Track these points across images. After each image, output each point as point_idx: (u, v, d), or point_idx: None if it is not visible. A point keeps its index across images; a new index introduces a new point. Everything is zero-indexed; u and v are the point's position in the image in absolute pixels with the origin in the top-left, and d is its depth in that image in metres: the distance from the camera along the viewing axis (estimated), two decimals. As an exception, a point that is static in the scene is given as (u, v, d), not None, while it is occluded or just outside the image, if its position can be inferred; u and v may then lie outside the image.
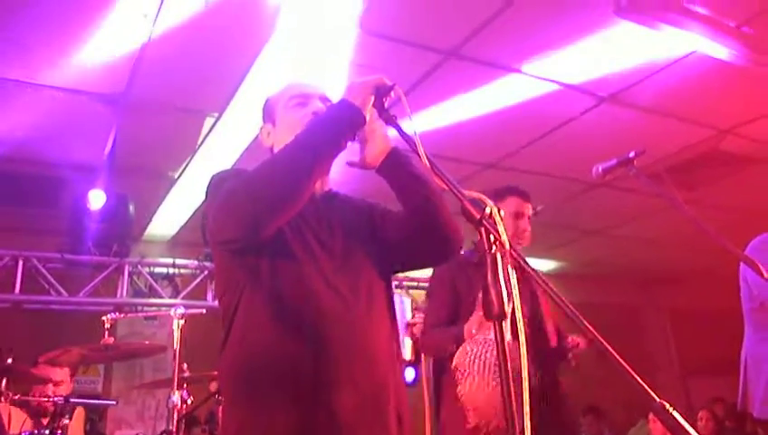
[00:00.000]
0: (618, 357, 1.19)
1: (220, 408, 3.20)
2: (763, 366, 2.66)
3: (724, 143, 4.83)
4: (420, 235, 1.58)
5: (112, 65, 3.55)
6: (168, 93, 3.88)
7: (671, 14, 3.16)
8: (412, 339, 3.45)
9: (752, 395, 2.69)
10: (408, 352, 3.40)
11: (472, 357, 2.25)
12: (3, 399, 2.82)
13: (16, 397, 2.87)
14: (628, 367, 1.18)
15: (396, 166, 1.58)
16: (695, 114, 4.41)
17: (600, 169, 2.39)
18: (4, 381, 2.85)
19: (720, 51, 3.44)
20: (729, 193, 5.53)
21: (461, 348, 2.32)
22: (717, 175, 5.29)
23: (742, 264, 2.70)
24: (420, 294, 6.95)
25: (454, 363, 2.31)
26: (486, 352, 2.26)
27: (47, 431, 2.71)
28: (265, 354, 1.40)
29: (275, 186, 1.39)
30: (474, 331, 2.32)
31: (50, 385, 3.31)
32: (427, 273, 2.65)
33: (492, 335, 2.24)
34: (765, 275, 2.07)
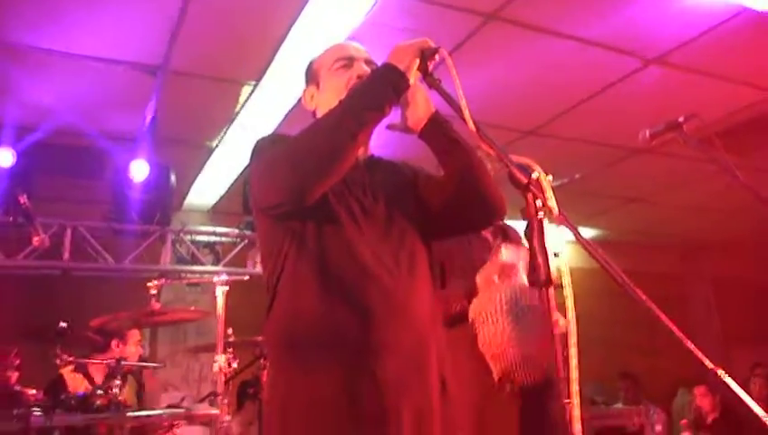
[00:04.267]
0: (670, 324, 1.17)
1: (264, 372, 3.27)
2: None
3: (776, 106, 4.64)
4: (462, 200, 1.56)
5: (150, 35, 3.57)
6: (206, 62, 3.89)
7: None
8: None
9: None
10: None
11: (495, 299, 2.19)
12: (58, 361, 2.94)
13: (71, 359, 2.99)
14: (680, 334, 1.16)
15: (438, 130, 1.56)
16: (744, 76, 4.23)
17: (648, 133, 2.33)
18: (59, 346, 2.96)
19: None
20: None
21: (478, 296, 2.25)
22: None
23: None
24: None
25: (472, 316, 2.25)
26: (508, 292, 2.19)
27: (100, 391, 2.82)
28: (310, 319, 1.42)
29: (319, 151, 1.39)
30: (496, 277, 2.26)
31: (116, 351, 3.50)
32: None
33: (514, 281, 2.21)
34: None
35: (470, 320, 2.27)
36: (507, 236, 2.42)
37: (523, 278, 2.30)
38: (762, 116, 4.75)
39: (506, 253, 2.25)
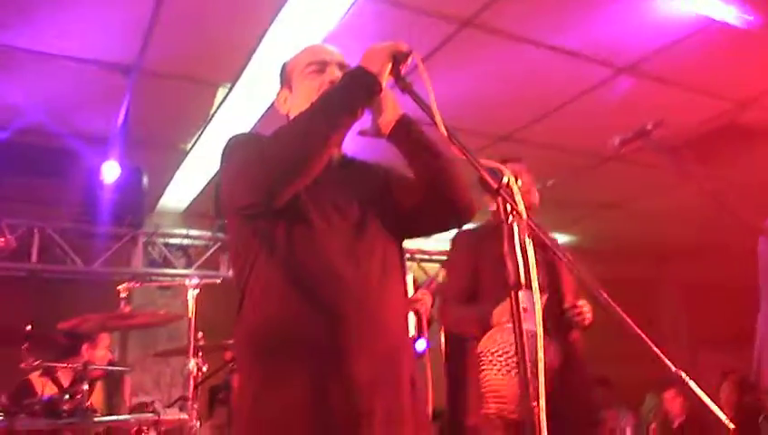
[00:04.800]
0: (636, 328, 1.19)
1: (235, 376, 3.24)
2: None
3: (743, 116, 4.75)
4: (431, 202, 1.57)
5: (123, 34, 3.53)
6: (181, 63, 3.86)
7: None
8: (416, 315, 3.44)
9: (766, 369, 2.69)
10: (411, 328, 3.40)
11: (502, 347, 2.23)
12: (24, 365, 2.87)
13: (35, 363, 2.93)
14: (646, 338, 1.18)
15: (406, 133, 1.57)
16: (713, 86, 4.33)
17: (618, 140, 2.36)
18: (24, 349, 2.90)
19: (737, 18, 3.36)
20: (747, 167, 5.44)
21: (489, 335, 2.29)
22: (735, 149, 5.21)
23: (761, 239, 2.67)
24: (431, 267, 6.99)
25: (480, 349, 2.29)
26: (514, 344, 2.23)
27: (67, 396, 2.76)
28: (280, 322, 1.41)
29: (291, 154, 1.38)
30: (505, 319, 2.29)
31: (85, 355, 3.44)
32: (436, 245, 2.64)
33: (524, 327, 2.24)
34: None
35: (477, 352, 2.29)
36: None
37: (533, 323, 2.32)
38: (729, 126, 4.85)
39: (522, 295, 2.27)
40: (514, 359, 2.24)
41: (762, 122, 4.82)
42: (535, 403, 1.18)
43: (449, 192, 1.56)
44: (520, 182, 1.37)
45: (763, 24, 3.44)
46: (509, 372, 2.20)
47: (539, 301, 1.28)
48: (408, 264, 6.03)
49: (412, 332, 3.43)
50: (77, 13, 3.31)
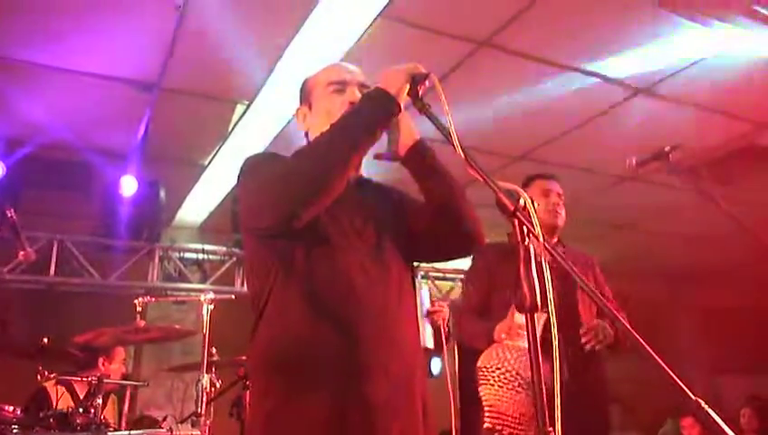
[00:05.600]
0: (652, 353, 1.17)
1: (247, 393, 3.24)
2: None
3: (762, 138, 4.71)
4: (442, 228, 1.58)
5: (146, 52, 3.59)
6: (200, 80, 3.91)
7: (711, 8, 3.08)
8: (433, 327, 3.43)
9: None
10: (429, 340, 3.37)
11: (496, 364, 2.26)
12: (39, 377, 2.90)
13: (52, 376, 2.95)
14: (663, 363, 1.16)
15: (422, 158, 1.58)
16: (731, 108, 4.30)
17: (635, 161, 2.36)
18: (41, 362, 2.93)
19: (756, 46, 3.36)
20: (765, 188, 5.39)
21: (488, 350, 2.32)
22: (754, 170, 5.16)
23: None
24: (444, 285, 6.95)
25: (479, 364, 2.31)
26: (512, 360, 2.25)
27: (81, 409, 2.77)
28: (299, 341, 1.41)
29: (311, 176, 1.39)
30: (504, 335, 2.32)
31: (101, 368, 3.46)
32: (449, 263, 2.67)
33: (520, 343, 2.28)
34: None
35: (477, 367, 2.31)
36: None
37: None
38: (747, 147, 4.81)
39: (519, 314, 2.30)
40: (508, 375, 2.27)
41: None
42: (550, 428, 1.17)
43: (459, 220, 1.58)
44: (537, 204, 1.37)
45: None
46: (501, 387, 2.23)
47: (555, 324, 1.27)
48: (423, 281, 6.03)
49: (430, 343, 3.40)
50: (100, 31, 3.38)
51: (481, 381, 2.28)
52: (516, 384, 2.22)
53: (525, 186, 2.74)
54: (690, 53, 3.66)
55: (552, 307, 1.27)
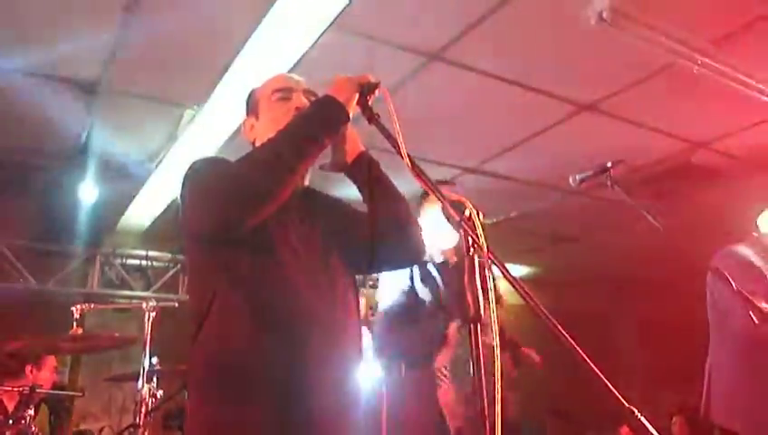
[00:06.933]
0: (590, 363, 1.20)
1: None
2: (725, 375, 2.73)
3: (696, 157, 4.93)
4: (386, 239, 1.59)
5: (89, 52, 3.49)
6: (148, 83, 3.83)
7: (652, 27, 3.21)
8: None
9: (714, 403, 2.76)
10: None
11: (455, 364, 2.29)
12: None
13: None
14: (599, 373, 1.20)
15: (367, 169, 1.59)
16: (669, 126, 4.48)
17: (577, 177, 2.43)
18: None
19: (695, 66, 3.51)
20: (700, 206, 5.63)
21: (443, 353, 2.34)
22: (689, 188, 5.39)
23: (709, 274, 2.76)
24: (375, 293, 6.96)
25: (437, 364, 2.33)
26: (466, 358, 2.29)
27: (10, 421, 2.65)
28: (242, 349, 1.39)
29: (257, 182, 1.37)
30: (455, 336, 2.36)
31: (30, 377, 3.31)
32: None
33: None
34: (734, 285, 2.12)
35: (435, 368, 2.34)
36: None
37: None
38: (684, 165, 5.02)
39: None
40: (461, 374, 2.30)
41: (713, 164, 5.01)
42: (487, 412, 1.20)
43: (403, 230, 1.59)
44: (482, 216, 1.40)
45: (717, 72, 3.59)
46: (457, 387, 2.26)
47: (497, 332, 1.30)
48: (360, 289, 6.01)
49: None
50: (42, 28, 3.27)
51: (438, 383, 2.32)
52: (466, 374, 2.25)
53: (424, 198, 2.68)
54: (633, 72, 3.80)
55: (494, 317, 1.29)
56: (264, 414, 1.33)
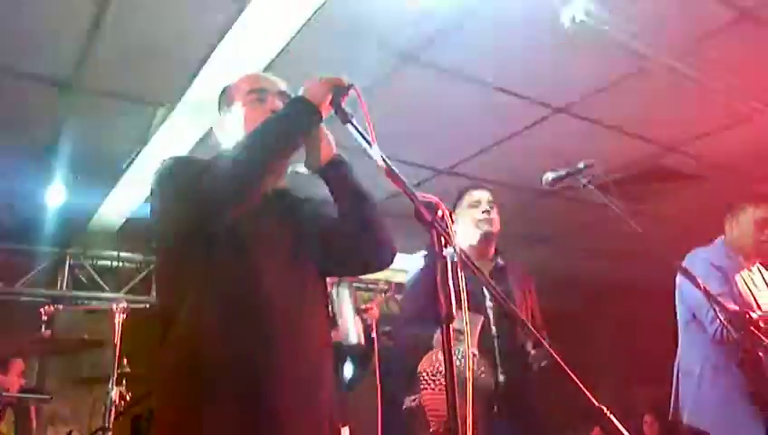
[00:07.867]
0: (561, 362, 1.22)
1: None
2: (693, 376, 2.78)
3: (666, 159, 5.01)
4: (353, 243, 1.60)
5: (60, 49, 3.42)
6: (118, 82, 3.77)
7: (625, 31, 3.26)
8: (363, 323, 3.42)
9: (682, 404, 2.80)
10: (356, 336, 3.34)
11: (438, 367, 2.29)
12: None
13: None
14: (570, 372, 1.21)
15: (338, 171, 1.60)
16: (641, 129, 4.55)
17: (550, 177, 2.45)
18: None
19: (666, 70, 3.58)
20: (671, 208, 5.72)
21: (427, 356, 2.36)
22: (660, 190, 5.47)
23: (678, 275, 2.81)
24: (364, 296, 6.95)
25: (419, 369, 2.34)
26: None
27: (-26, 427, 2.59)
28: (211, 348, 1.38)
29: (229, 181, 1.37)
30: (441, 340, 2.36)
31: None
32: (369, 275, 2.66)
33: (460, 347, 2.33)
34: (702, 287, 2.16)
35: (418, 372, 2.34)
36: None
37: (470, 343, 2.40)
38: (656, 168, 5.10)
39: (458, 320, 2.34)
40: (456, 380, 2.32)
41: (683, 167, 5.10)
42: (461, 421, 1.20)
43: (373, 233, 1.60)
44: (455, 215, 1.40)
45: (688, 76, 3.66)
46: (442, 391, 2.27)
47: (470, 333, 1.30)
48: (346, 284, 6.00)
49: (357, 340, 3.37)
50: (10, 21, 3.20)
51: (422, 386, 2.32)
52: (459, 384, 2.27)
53: (458, 199, 2.84)
54: (606, 75, 3.84)
55: (466, 316, 1.30)
56: (231, 414, 1.33)
